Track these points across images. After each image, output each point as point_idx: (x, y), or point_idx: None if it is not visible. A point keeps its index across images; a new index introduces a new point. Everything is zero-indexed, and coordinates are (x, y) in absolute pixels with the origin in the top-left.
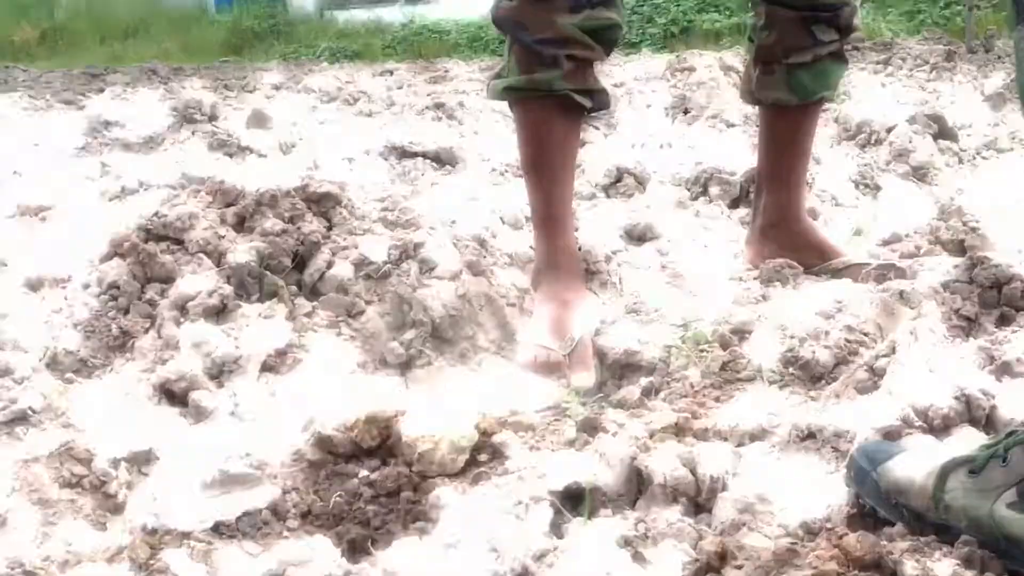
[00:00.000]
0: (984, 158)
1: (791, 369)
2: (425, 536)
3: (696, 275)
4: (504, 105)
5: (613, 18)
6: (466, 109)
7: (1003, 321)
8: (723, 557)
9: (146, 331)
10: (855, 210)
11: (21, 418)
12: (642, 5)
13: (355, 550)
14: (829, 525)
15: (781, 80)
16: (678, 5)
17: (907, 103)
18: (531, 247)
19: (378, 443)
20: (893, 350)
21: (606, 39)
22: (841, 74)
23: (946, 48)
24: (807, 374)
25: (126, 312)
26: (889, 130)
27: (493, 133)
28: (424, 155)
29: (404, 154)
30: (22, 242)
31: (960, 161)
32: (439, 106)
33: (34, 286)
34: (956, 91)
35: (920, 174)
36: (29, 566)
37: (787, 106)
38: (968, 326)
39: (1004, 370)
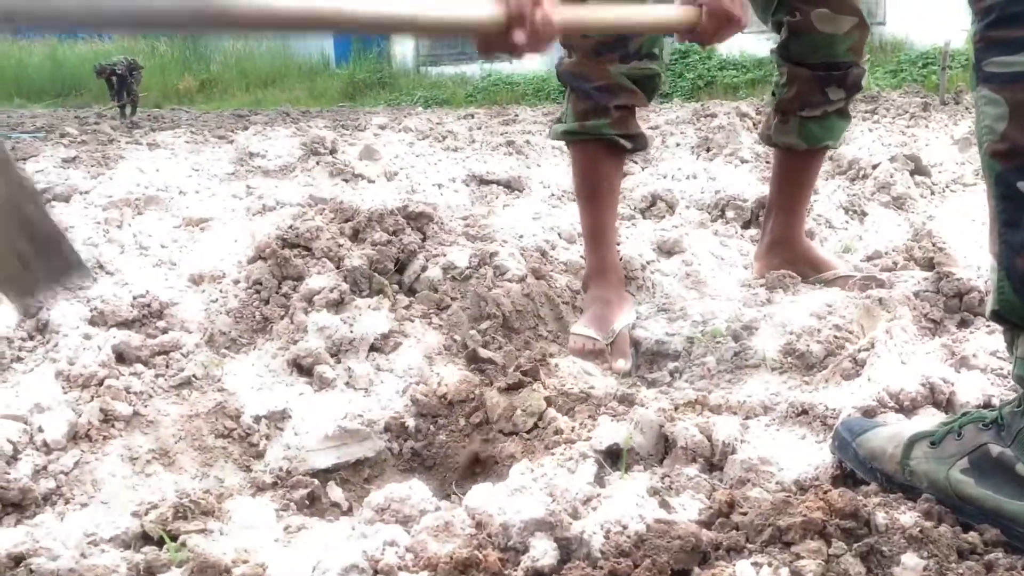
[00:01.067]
0: (952, 191)
1: (789, 359)
2: (498, 482)
3: (714, 282)
4: (562, 144)
5: (655, 69)
6: (531, 146)
7: (963, 324)
8: (731, 505)
9: (282, 318)
10: (844, 231)
11: (186, 383)
12: (675, 63)
13: (443, 492)
14: (817, 483)
15: (794, 129)
16: (704, 63)
17: (889, 144)
18: (582, 257)
19: (468, 405)
20: (872, 345)
21: (649, 87)
22: (845, 127)
23: (923, 100)
24: (802, 363)
25: (267, 303)
26: (874, 167)
27: (552, 165)
28: (497, 182)
29: (482, 181)
30: (186, 247)
31: (932, 193)
32: (510, 143)
33: (196, 281)
34: (930, 136)
35: (899, 203)
36: (193, 496)
37: (797, 150)
38: (934, 327)
39: (962, 363)
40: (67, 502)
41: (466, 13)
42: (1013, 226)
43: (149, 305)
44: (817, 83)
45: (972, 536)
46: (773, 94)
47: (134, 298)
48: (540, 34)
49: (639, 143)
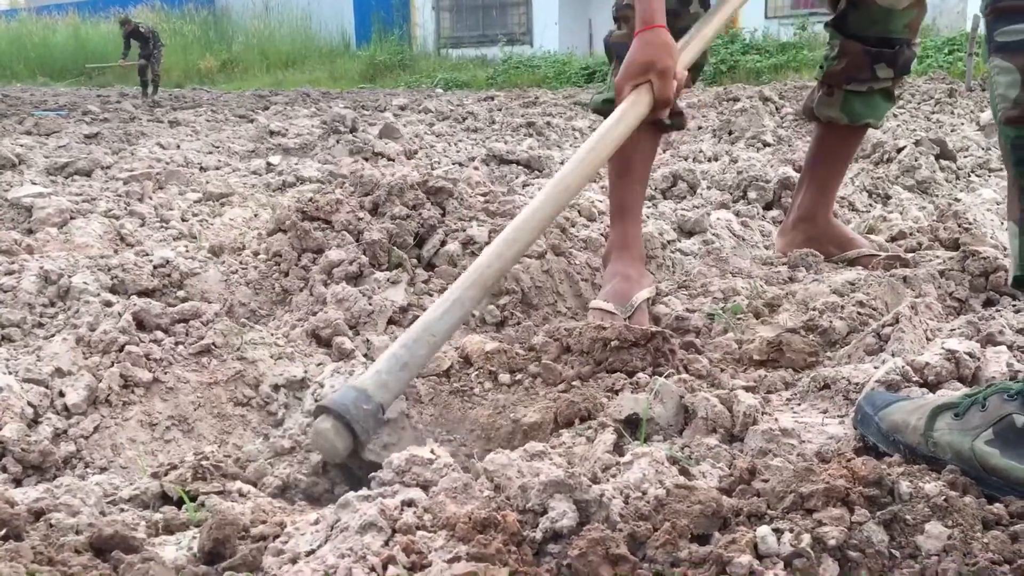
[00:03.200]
0: (977, 175)
1: (811, 335)
2: (518, 450)
3: (735, 260)
4: (583, 123)
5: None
6: (552, 127)
7: (989, 303)
8: (752, 472)
9: (301, 290)
10: (868, 213)
11: (206, 351)
12: None
13: (459, 457)
14: (840, 455)
15: (838, 102)
16: (727, 47)
17: (914, 130)
18: (602, 235)
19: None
20: (897, 320)
21: (694, 65)
22: (888, 108)
23: (948, 87)
24: (825, 339)
25: (286, 275)
26: (899, 150)
27: (571, 146)
28: (517, 162)
29: (502, 161)
30: (207, 220)
31: (957, 178)
32: (530, 124)
33: (216, 253)
34: (956, 121)
35: (923, 187)
36: (212, 460)
37: (838, 124)
38: (959, 306)
39: (988, 340)
40: (87, 465)
41: (637, 115)
42: None
43: (170, 275)
44: (867, 59)
45: (997, 507)
46: (821, 67)
47: (155, 268)
48: (680, 89)
49: (678, 121)
